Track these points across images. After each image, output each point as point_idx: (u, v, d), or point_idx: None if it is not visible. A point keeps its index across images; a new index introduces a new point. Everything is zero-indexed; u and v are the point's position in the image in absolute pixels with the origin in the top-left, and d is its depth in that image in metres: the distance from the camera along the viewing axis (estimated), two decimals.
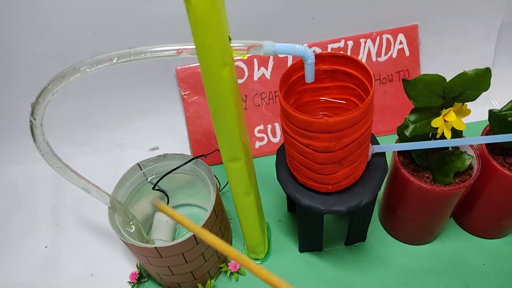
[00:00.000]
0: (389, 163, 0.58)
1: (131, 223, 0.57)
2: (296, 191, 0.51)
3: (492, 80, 0.43)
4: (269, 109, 0.78)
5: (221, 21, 0.33)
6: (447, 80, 0.44)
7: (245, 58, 0.38)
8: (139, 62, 0.75)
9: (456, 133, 0.51)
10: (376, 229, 0.67)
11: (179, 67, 0.75)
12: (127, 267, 0.66)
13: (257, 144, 0.79)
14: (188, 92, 0.76)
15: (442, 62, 0.80)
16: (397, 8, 0.74)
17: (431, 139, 0.52)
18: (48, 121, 0.44)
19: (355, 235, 0.63)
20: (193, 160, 0.60)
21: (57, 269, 0.68)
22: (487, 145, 0.55)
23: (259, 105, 0.78)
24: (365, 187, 0.50)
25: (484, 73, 0.42)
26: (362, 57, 0.76)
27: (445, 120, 0.47)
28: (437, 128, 0.48)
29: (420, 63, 0.79)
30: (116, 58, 0.37)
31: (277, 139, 0.80)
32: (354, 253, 0.64)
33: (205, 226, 0.52)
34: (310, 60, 0.40)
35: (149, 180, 0.63)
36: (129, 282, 0.63)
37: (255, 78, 0.76)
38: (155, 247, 0.50)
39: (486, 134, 0.57)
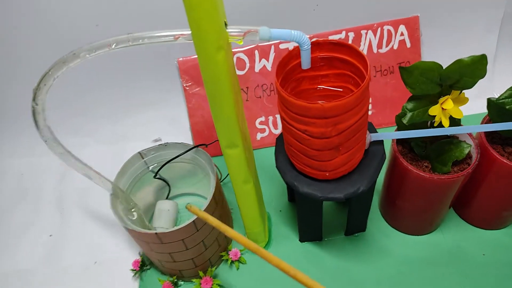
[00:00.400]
0: (388, 153, 0.58)
1: (133, 210, 0.58)
2: (294, 178, 0.51)
3: (494, 72, 0.43)
4: (270, 101, 0.79)
5: (215, 6, 0.34)
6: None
7: (241, 43, 0.38)
8: (141, 55, 0.76)
9: (455, 122, 0.51)
10: (376, 220, 0.67)
11: (181, 59, 0.76)
12: (130, 255, 0.67)
13: (259, 135, 0.80)
14: (190, 83, 0.77)
15: (443, 54, 0.80)
16: None
17: (429, 128, 0.52)
18: (52, 113, 0.45)
19: (354, 224, 0.63)
20: (194, 150, 0.61)
21: (61, 257, 0.69)
22: (486, 134, 0.55)
23: (260, 97, 0.78)
24: (363, 175, 0.50)
25: (480, 60, 0.42)
26: (363, 49, 0.77)
27: (442, 108, 0.48)
28: (434, 116, 0.48)
29: (421, 55, 0.78)
30: (114, 44, 0.38)
31: (278, 130, 0.80)
32: (354, 243, 0.64)
33: None
34: (306, 46, 0.40)
35: (150, 168, 0.64)
36: (132, 270, 0.64)
37: (256, 70, 0.77)
38: (156, 233, 0.51)
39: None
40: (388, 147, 0.58)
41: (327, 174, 0.48)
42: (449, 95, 0.47)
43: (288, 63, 0.46)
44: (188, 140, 0.83)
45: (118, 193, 0.56)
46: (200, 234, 0.55)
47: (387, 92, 0.79)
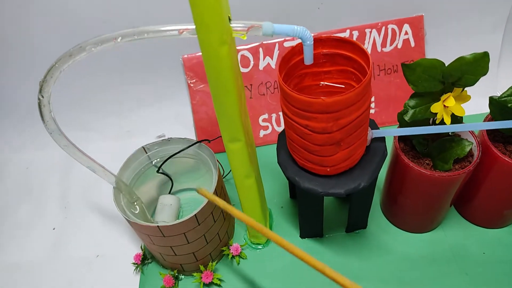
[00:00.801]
0: (390, 150, 0.58)
1: (135, 203, 0.59)
2: (295, 174, 0.52)
3: (499, 71, 0.43)
4: (274, 98, 0.79)
5: (219, 0, 0.34)
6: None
7: (245, 38, 0.38)
8: (147, 52, 0.77)
9: (456, 120, 0.51)
10: (377, 217, 0.67)
11: (186, 56, 0.76)
12: (132, 249, 0.68)
13: (262, 133, 0.80)
14: (194, 80, 0.77)
15: (447, 53, 0.80)
16: None
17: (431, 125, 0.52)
18: (58, 108, 0.45)
19: (355, 221, 0.64)
20: (197, 145, 0.62)
21: (64, 250, 0.70)
22: (488, 133, 0.55)
23: (264, 94, 0.79)
24: (364, 171, 0.50)
25: (482, 57, 0.42)
26: (368, 47, 0.77)
27: (444, 105, 0.48)
28: (436, 114, 0.48)
29: (426, 54, 0.79)
30: (120, 38, 0.39)
31: (281, 128, 0.80)
32: (355, 240, 0.65)
33: (205, 207, 0.53)
34: (308, 42, 0.41)
35: (153, 163, 0.64)
36: (133, 263, 0.65)
37: (260, 67, 0.77)
38: (158, 226, 0.51)
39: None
40: (390, 146, 0.58)
41: (328, 170, 0.49)
42: (451, 92, 0.47)
43: (291, 59, 0.46)
44: (192, 137, 0.83)
45: (121, 187, 0.56)
46: (202, 228, 0.55)
47: (391, 91, 0.79)
